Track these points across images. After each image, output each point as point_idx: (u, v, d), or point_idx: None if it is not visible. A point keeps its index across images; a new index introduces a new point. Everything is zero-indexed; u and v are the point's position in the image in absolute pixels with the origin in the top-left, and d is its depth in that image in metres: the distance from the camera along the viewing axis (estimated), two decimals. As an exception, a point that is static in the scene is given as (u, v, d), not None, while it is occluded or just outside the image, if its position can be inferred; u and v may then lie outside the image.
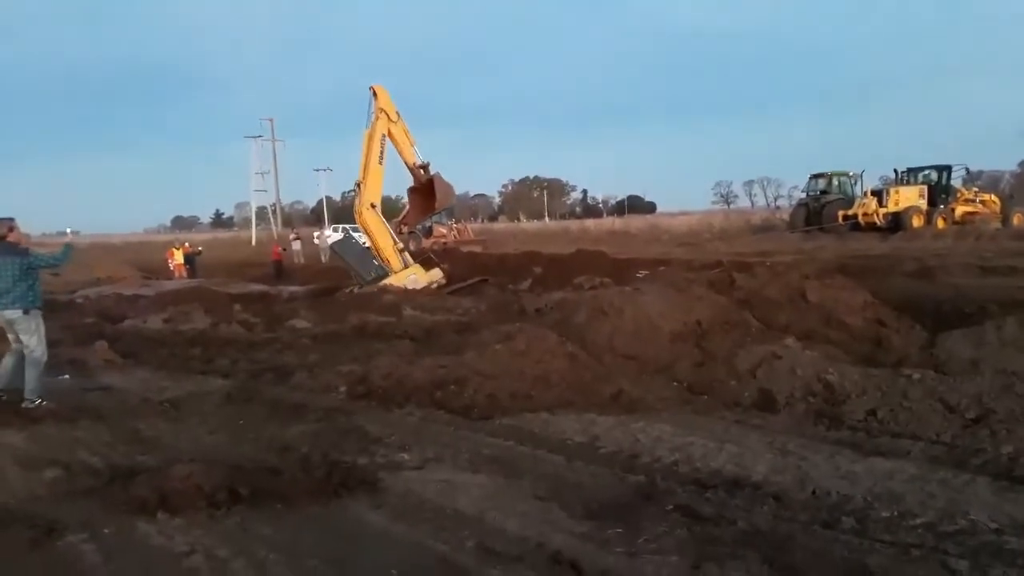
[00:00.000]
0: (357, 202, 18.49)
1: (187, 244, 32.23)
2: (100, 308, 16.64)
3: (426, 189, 19.15)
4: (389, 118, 18.27)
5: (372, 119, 18.26)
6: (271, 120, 69.58)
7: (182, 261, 29.83)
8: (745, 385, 7.31)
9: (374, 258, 18.15)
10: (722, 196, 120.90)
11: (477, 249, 31.55)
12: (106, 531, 4.40)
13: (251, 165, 70.14)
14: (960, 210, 31.99)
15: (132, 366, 9.95)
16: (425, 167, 19.02)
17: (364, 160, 18.22)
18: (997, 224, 31.19)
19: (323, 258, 33.89)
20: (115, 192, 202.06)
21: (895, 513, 4.35)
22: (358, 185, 18.39)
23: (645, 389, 7.48)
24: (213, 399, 7.67)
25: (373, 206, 18.15)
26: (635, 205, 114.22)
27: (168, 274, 29.31)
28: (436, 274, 18.47)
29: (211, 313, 14.43)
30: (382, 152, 18.35)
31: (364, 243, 19.24)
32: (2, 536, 4.38)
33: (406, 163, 19.05)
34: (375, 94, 18.20)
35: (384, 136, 18.30)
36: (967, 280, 13.93)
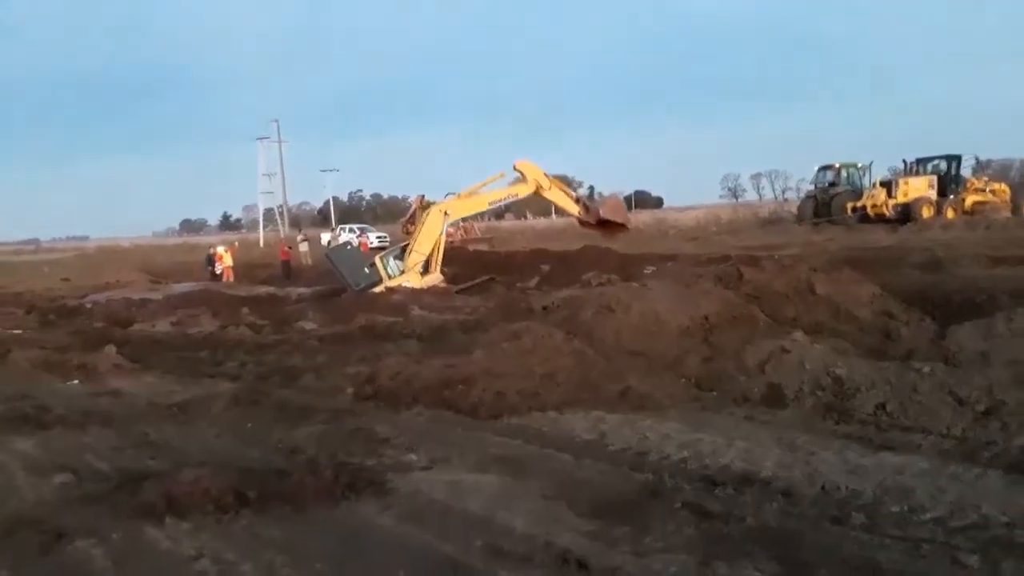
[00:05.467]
0: (440, 201, 20.44)
1: (235, 244, 31.11)
2: (109, 312, 16.75)
3: (599, 221, 20.69)
4: (542, 187, 19.48)
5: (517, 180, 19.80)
6: (276, 121, 69.75)
7: (231, 263, 28.67)
8: (753, 380, 7.26)
9: (366, 267, 18.36)
10: (730, 189, 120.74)
11: (484, 247, 31.55)
12: (114, 536, 4.41)
13: (258, 167, 70.35)
14: (970, 200, 31.78)
15: (140, 370, 9.99)
16: (582, 201, 21.26)
17: (481, 190, 19.75)
18: (1007, 213, 31.00)
19: None
20: (124, 197, 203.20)
21: (905, 508, 4.31)
22: (452, 194, 20.15)
23: (653, 385, 7.44)
24: (221, 402, 7.68)
25: (447, 214, 19.03)
26: (642, 200, 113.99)
27: (215, 278, 27.62)
28: (434, 278, 18.53)
29: (219, 316, 14.52)
30: (500, 202, 20.65)
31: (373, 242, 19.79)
32: (12, 541, 4.40)
33: (571, 215, 21.09)
34: (522, 173, 19.51)
35: (513, 196, 20.18)
36: (977, 271, 13.84)
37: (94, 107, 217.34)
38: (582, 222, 20.99)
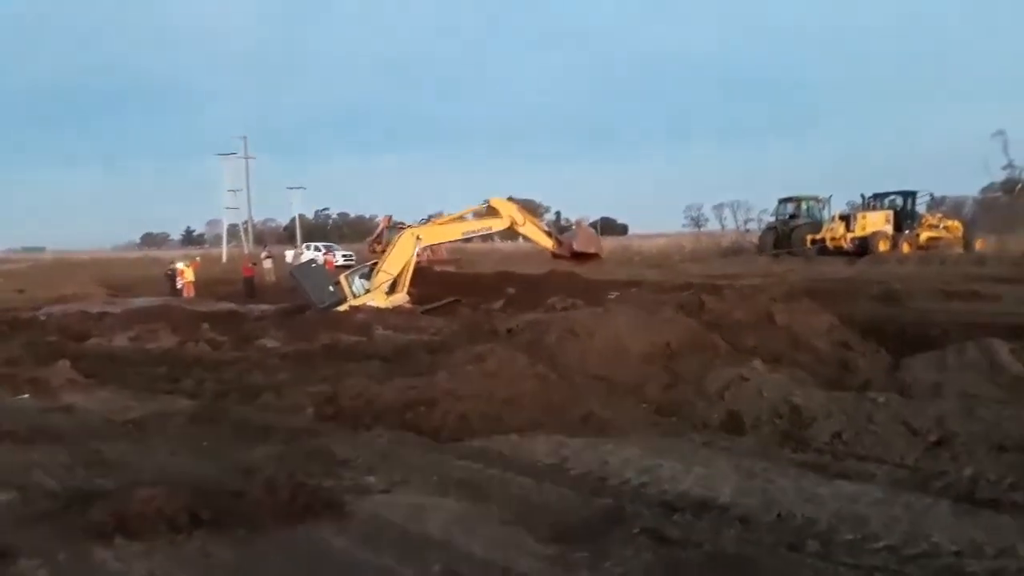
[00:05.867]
0: (415, 225, 21.17)
1: (197, 259, 30.84)
2: (63, 325, 16.30)
3: (573, 253, 21.33)
4: (516, 222, 20.02)
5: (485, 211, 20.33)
6: (244, 137, 69.23)
7: (193, 279, 28.21)
8: (713, 407, 7.36)
9: (330, 285, 18.33)
10: (693, 219, 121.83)
11: (451, 269, 31.55)
12: (60, 557, 4.27)
13: (223, 182, 69.55)
14: (924, 235, 32.76)
15: (95, 386, 9.74)
16: (554, 235, 21.83)
17: (458, 220, 20.27)
18: (960, 249, 31.97)
19: None
20: (83, 208, 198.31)
21: (859, 536, 4.38)
22: (430, 217, 21.30)
23: (615, 411, 7.49)
24: (178, 419, 7.53)
25: (419, 238, 19.30)
26: (608, 226, 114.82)
27: (175, 293, 27.23)
28: (400, 298, 18.52)
29: (178, 331, 14.24)
30: (474, 233, 21.12)
31: (338, 260, 19.77)
32: (-48, 562, 4.24)
33: (544, 248, 21.60)
34: (495, 209, 20.01)
35: (486, 229, 20.78)
36: (931, 304, 14.20)
37: (53, 115, 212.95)
38: (555, 255, 21.35)
